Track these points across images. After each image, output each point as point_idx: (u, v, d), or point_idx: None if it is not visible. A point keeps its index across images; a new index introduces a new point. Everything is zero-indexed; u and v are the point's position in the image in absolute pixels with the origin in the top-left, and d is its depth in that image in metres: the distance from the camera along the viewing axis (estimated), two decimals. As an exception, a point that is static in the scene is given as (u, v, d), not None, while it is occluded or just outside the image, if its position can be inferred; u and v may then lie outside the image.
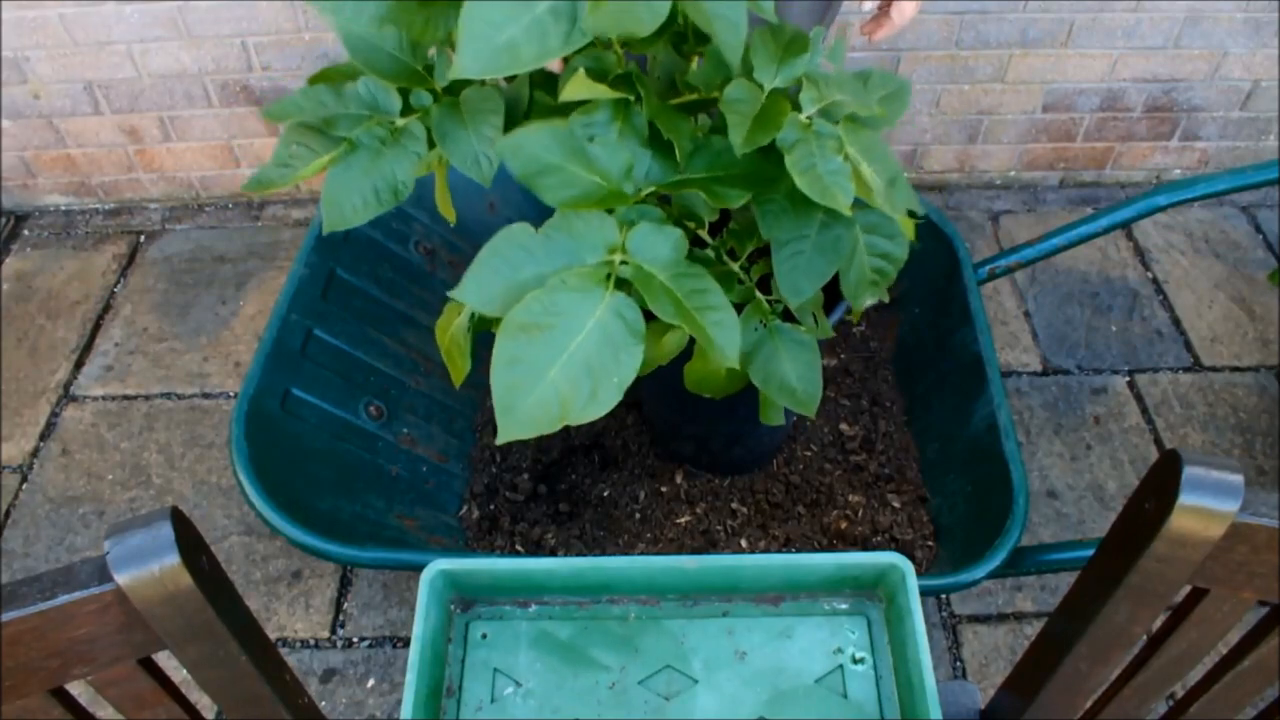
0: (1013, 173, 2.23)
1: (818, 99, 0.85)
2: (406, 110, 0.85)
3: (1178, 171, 2.23)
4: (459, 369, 1.06)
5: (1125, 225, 1.47)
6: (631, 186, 0.84)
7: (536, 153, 0.80)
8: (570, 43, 0.66)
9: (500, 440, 0.69)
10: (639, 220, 0.81)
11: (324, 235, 1.47)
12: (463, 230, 1.63)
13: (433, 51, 0.87)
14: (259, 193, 0.85)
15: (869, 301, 0.99)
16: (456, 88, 0.87)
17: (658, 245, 0.80)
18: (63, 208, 2.25)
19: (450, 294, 0.78)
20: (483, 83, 0.92)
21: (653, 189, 0.86)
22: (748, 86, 0.85)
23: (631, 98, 0.84)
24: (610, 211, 0.80)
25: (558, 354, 0.70)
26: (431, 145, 0.84)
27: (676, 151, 0.86)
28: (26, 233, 2.20)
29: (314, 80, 0.88)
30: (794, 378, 0.99)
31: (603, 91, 0.80)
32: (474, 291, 0.75)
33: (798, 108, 0.86)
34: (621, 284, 0.77)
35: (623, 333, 0.73)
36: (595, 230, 0.78)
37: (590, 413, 0.70)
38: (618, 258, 0.77)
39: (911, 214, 0.94)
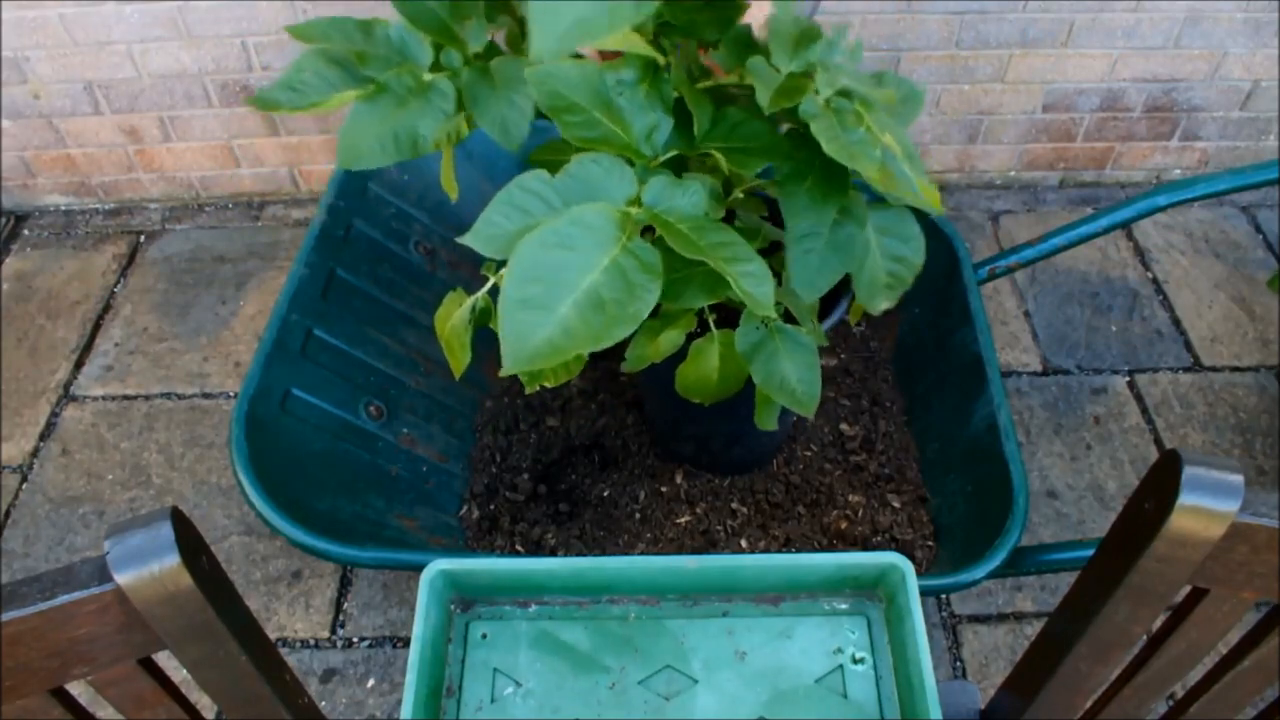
0: (1013, 173, 2.23)
1: (832, 83, 0.85)
2: (436, 66, 0.84)
3: (1178, 171, 2.23)
4: (459, 360, 1.06)
5: (1125, 225, 1.47)
6: (650, 149, 0.84)
7: (562, 88, 0.79)
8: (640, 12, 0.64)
9: (504, 373, 0.68)
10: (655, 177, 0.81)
11: (318, 237, 1.47)
12: (463, 230, 1.63)
13: (470, 20, 0.87)
14: (264, 110, 0.84)
15: (884, 305, 0.98)
16: (489, 53, 0.87)
17: (675, 197, 0.79)
18: (63, 208, 2.25)
19: (459, 239, 0.77)
20: (514, 53, 0.93)
21: (672, 153, 0.86)
22: (766, 64, 0.86)
23: (662, 60, 0.85)
24: (630, 164, 0.80)
25: (569, 290, 0.68)
26: (459, 107, 0.84)
27: (695, 124, 0.86)
28: (26, 233, 2.20)
29: (360, 24, 0.87)
30: (794, 378, 0.99)
31: (639, 44, 0.80)
32: (483, 237, 0.75)
33: (815, 90, 0.86)
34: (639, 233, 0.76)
35: (638, 271, 0.71)
36: (613, 179, 0.77)
37: (600, 344, 0.69)
38: (635, 210, 0.77)
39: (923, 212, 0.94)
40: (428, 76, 0.83)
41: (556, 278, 0.69)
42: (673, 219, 0.77)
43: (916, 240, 0.97)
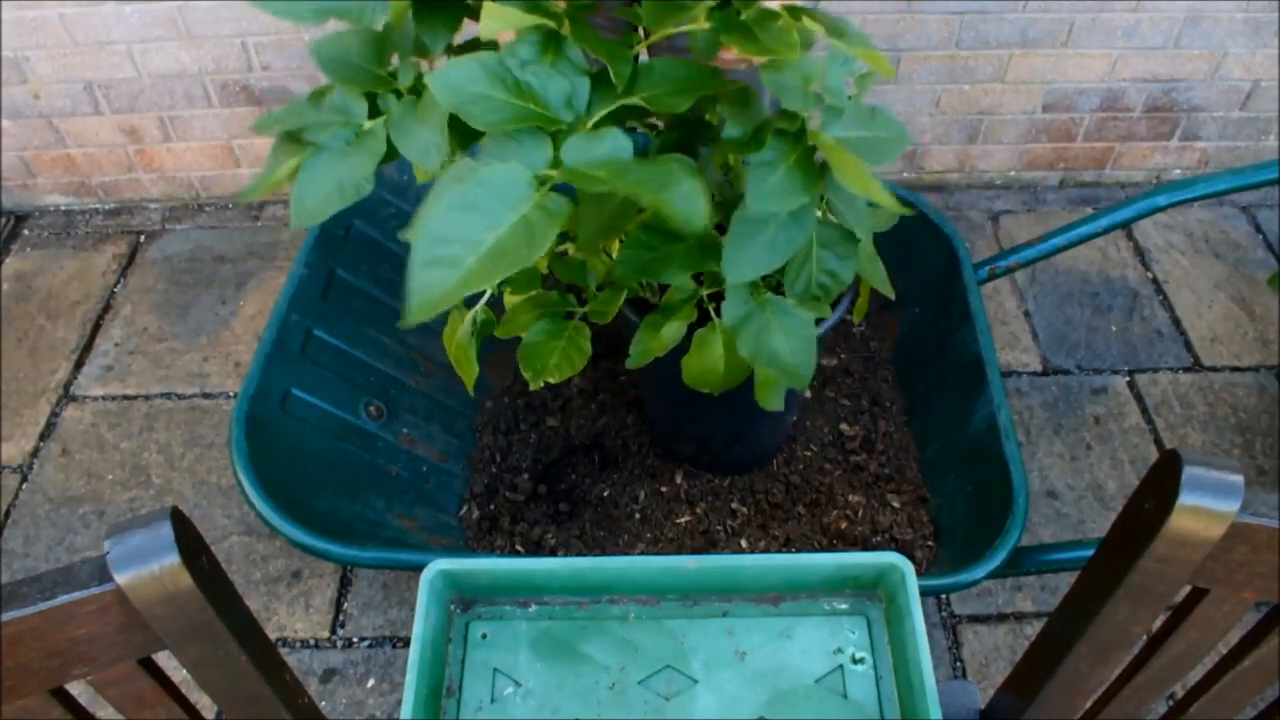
0: (1013, 173, 2.23)
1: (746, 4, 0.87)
2: (375, 113, 0.88)
3: (1178, 171, 2.23)
4: (468, 374, 1.07)
5: (1125, 225, 1.47)
6: (572, 114, 0.84)
7: (462, 83, 0.81)
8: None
9: (403, 324, 0.70)
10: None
11: (318, 237, 1.47)
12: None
13: (395, 60, 0.89)
14: (250, 199, 0.90)
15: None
16: (419, 88, 0.89)
17: (592, 148, 0.80)
18: (63, 208, 2.25)
19: (401, 235, 0.79)
20: None
21: (603, 113, 0.86)
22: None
23: (557, 26, 0.85)
24: (554, 138, 0.81)
25: (476, 248, 0.71)
26: (390, 144, 0.86)
27: (612, 75, 0.87)
28: (26, 233, 2.20)
29: (311, 98, 0.91)
30: (785, 351, 0.98)
31: (519, 19, 0.81)
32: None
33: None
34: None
35: (544, 223, 0.73)
36: (527, 149, 0.78)
37: (491, 283, 0.71)
38: (554, 172, 0.78)
39: (908, 207, 0.95)
40: (367, 125, 0.87)
41: (464, 236, 0.71)
42: (589, 169, 0.78)
43: (851, 260, 1.00)
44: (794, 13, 0.85)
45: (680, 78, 0.89)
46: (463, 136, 0.86)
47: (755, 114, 0.94)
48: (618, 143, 0.81)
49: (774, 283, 1.02)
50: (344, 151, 0.85)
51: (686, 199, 0.76)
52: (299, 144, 0.86)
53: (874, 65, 0.86)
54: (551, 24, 0.85)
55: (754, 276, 0.92)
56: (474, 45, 0.99)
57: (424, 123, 0.85)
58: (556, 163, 0.79)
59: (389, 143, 0.86)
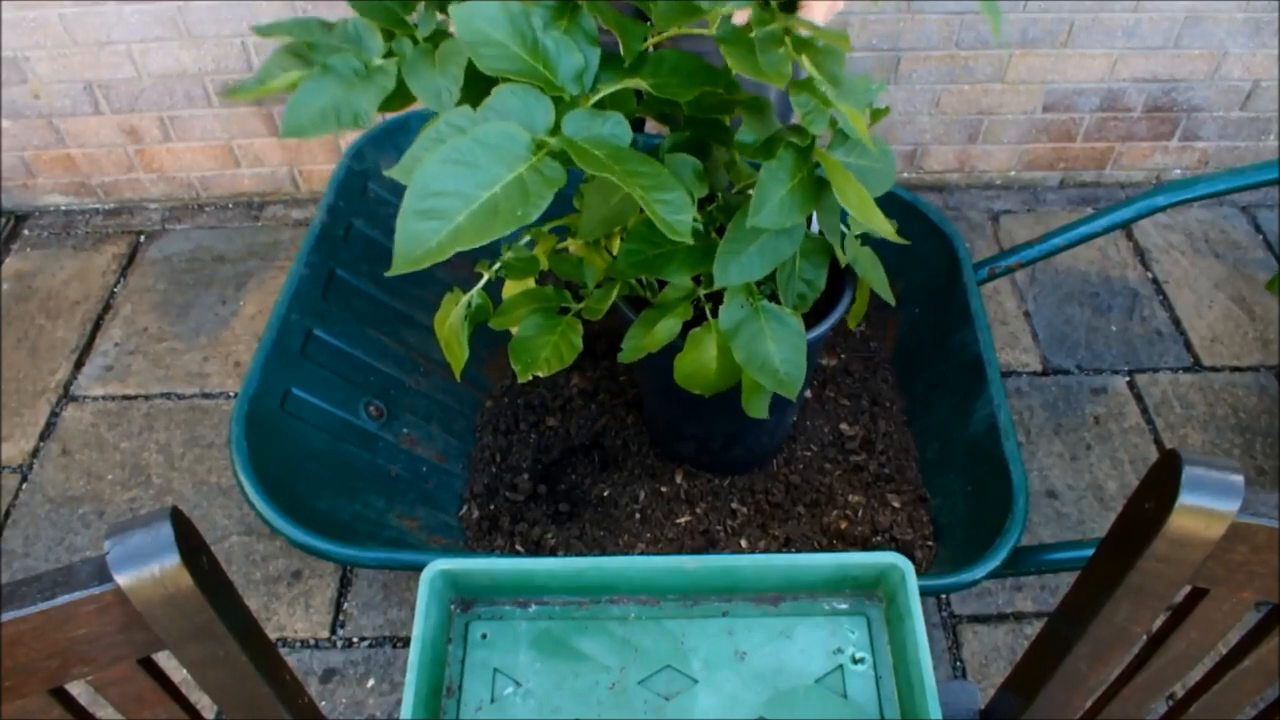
0: (1013, 173, 2.23)
1: (766, 20, 0.87)
2: (388, 54, 0.89)
3: (1178, 171, 2.23)
4: (458, 358, 1.07)
5: (1125, 225, 1.47)
6: (579, 88, 0.85)
7: (484, 23, 0.82)
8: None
9: (389, 274, 0.70)
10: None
11: (318, 237, 1.47)
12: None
13: (419, 10, 0.92)
14: (232, 99, 0.92)
15: None
16: (437, 38, 0.90)
17: (594, 125, 0.80)
18: (63, 208, 2.25)
19: (386, 172, 0.79)
20: None
21: (606, 93, 0.87)
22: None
23: None
24: (557, 106, 0.81)
25: (468, 202, 0.71)
26: (399, 83, 0.87)
27: (623, 51, 0.87)
28: (26, 233, 2.20)
29: (324, 22, 0.93)
30: (777, 359, 1.00)
31: None
32: (406, 168, 0.77)
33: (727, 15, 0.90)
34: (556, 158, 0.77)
35: (539, 185, 0.74)
36: (529, 107, 0.79)
37: (480, 241, 0.71)
38: (552, 139, 0.78)
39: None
40: (377, 61, 0.88)
41: (457, 190, 0.71)
42: (588, 145, 0.78)
43: (824, 270, 1.04)
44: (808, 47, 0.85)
45: (689, 70, 0.90)
46: (473, 95, 0.86)
47: (768, 124, 0.95)
48: (618, 127, 0.81)
49: (769, 291, 1.03)
50: (350, 80, 0.86)
51: (672, 206, 0.76)
52: (302, 59, 0.87)
53: (856, 126, 0.86)
54: None
55: (740, 281, 0.94)
56: None
57: (440, 68, 0.86)
58: (555, 131, 0.79)
59: (399, 83, 0.87)
